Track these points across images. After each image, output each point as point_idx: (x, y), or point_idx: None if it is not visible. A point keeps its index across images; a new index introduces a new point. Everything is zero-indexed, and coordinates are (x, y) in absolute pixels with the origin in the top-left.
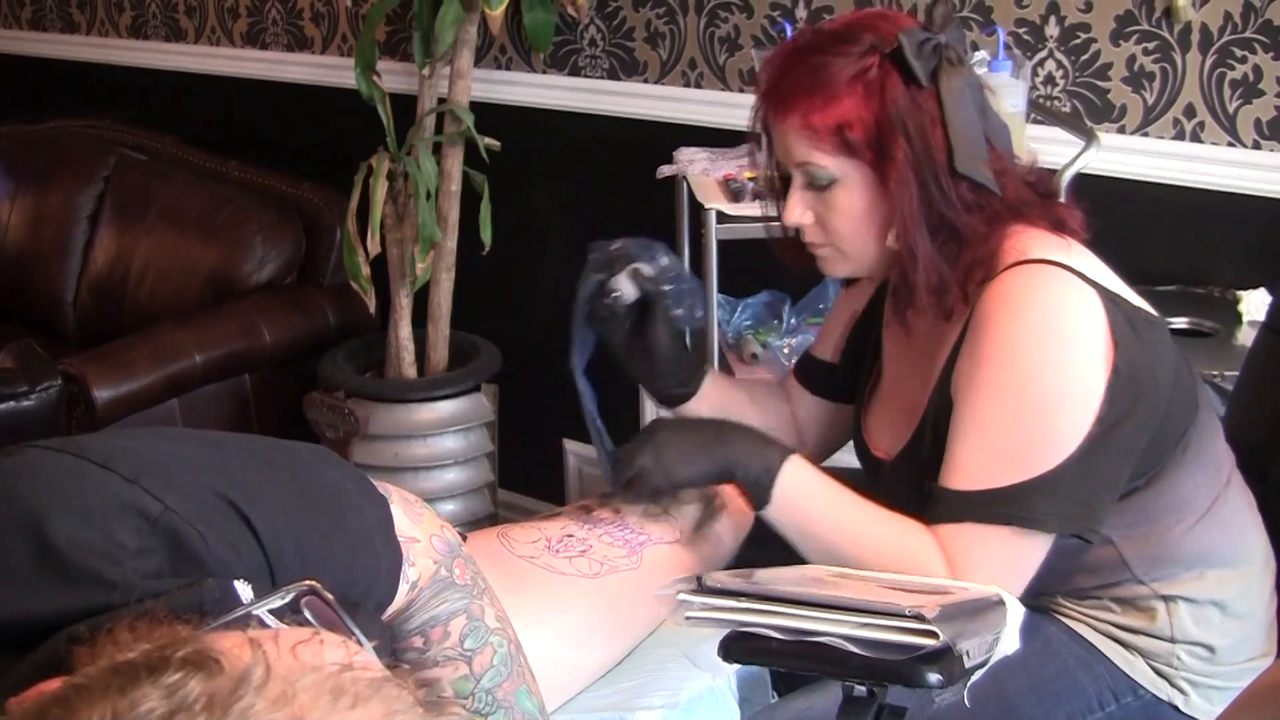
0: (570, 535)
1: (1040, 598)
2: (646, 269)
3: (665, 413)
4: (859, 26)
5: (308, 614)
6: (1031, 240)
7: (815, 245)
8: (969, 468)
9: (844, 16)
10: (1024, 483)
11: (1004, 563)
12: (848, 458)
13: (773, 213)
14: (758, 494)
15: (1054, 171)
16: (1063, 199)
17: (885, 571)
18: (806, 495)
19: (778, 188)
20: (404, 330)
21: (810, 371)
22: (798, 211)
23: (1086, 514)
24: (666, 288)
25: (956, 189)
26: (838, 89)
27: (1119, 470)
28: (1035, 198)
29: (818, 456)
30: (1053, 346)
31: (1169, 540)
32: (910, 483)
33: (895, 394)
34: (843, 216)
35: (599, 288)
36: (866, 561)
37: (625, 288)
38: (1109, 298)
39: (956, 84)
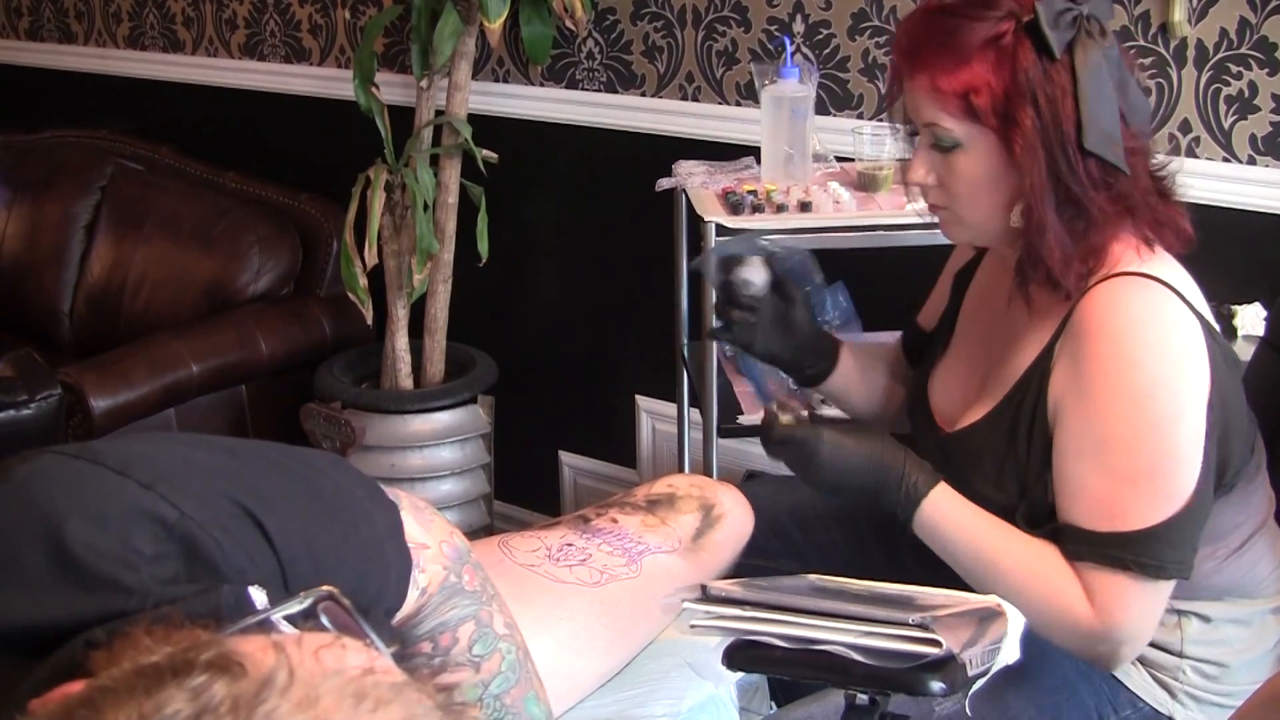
0: (570, 544)
1: None
2: (758, 259)
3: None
4: None
5: (325, 620)
6: (1139, 249)
7: (935, 207)
8: (1096, 498)
9: None
10: (1152, 528)
11: (1148, 608)
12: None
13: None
14: (901, 516)
15: None
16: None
17: (1026, 592)
18: (949, 519)
19: (912, 141)
20: (401, 341)
21: (908, 337)
22: (920, 171)
23: (1190, 556)
24: (790, 266)
25: (1085, 165)
26: (969, 54)
27: (1207, 509)
28: (1155, 190)
29: (896, 419)
30: (1165, 365)
31: (1198, 570)
32: (971, 459)
33: (964, 366)
34: (963, 181)
35: (729, 289)
36: (1008, 582)
37: (756, 277)
38: (1208, 329)
39: (1094, 58)
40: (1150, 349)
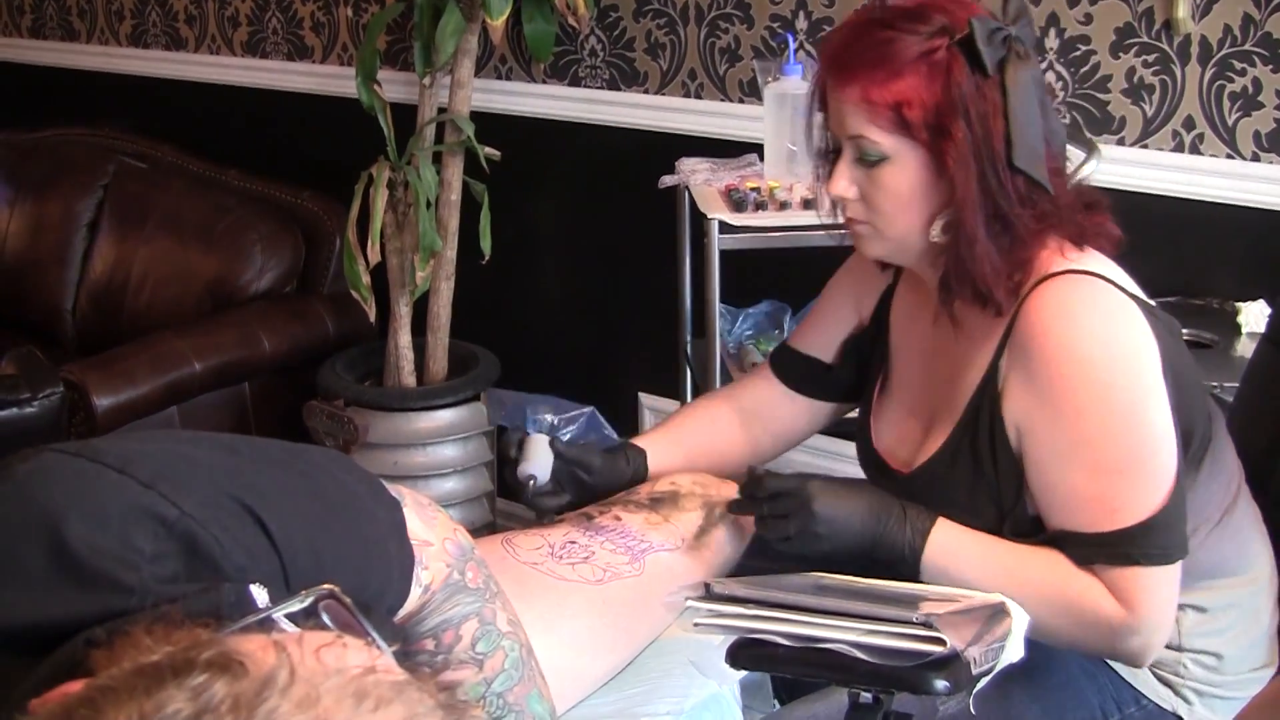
0: (573, 542)
1: None
2: (538, 440)
3: None
4: (931, 7)
5: (326, 618)
6: (1065, 250)
7: (855, 221)
8: (1089, 499)
9: None
10: (1151, 517)
11: (1168, 593)
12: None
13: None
14: (909, 555)
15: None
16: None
17: (1052, 603)
18: (957, 551)
19: (828, 157)
20: (403, 339)
21: (792, 366)
22: (843, 184)
23: (1185, 536)
24: (565, 439)
25: (1013, 182)
26: (901, 66)
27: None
28: (1080, 205)
29: (779, 449)
30: (1117, 350)
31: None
32: (941, 494)
33: (909, 399)
34: (888, 195)
35: (525, 485)
36: (1031, 596)
37: (539, 469)
38: (1146, 308)
39: (1023, 77)
40: (1098, 340)
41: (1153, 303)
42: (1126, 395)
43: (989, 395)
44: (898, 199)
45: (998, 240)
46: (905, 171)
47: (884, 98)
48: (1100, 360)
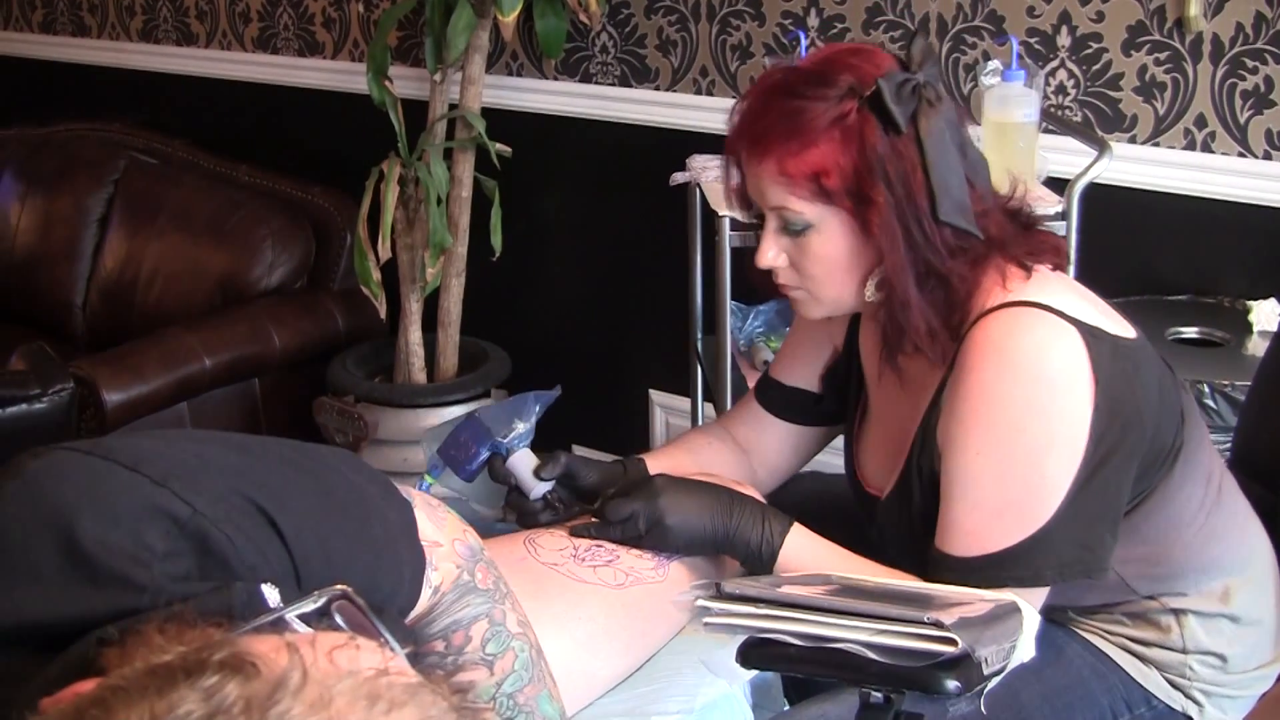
0: (599, 544)
1: (1052, 612)
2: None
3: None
4: (836, 67)
5: (339, 619)
6: (1009, 279)
7: (788, 288)
8: (965, 531)
9: (819, 53)
10: (1021, 543)
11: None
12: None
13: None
14: (759, 566)
15: (1065, 182)
16: (1042, 226)
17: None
18: (809, 566)
19: (754, 226)
20: (414, 335)
21: (778, 397)
22: (771, 254)
23: (1088, 556)
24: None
25: (940, 234)
26: (814, 135)
27: (1114, 504)
28: (1017, 230)
29: (773, 481)
30: (1037, 392)
31: (1170, 557)
32: (903, 522)
33: (884, 426)
34: (818, 262)
35: (522, 503)
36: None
37: (543, 479)
38: (1088, 331)
39: (936, 126)
40: (1021, 378)
41: (1101, 325)
42: (1031, 440)
43: (929, 427)
44: (828, 264)
45: (932, 296)
46: (831, 238)
47: (800, 169)
48: (1016, 398)
